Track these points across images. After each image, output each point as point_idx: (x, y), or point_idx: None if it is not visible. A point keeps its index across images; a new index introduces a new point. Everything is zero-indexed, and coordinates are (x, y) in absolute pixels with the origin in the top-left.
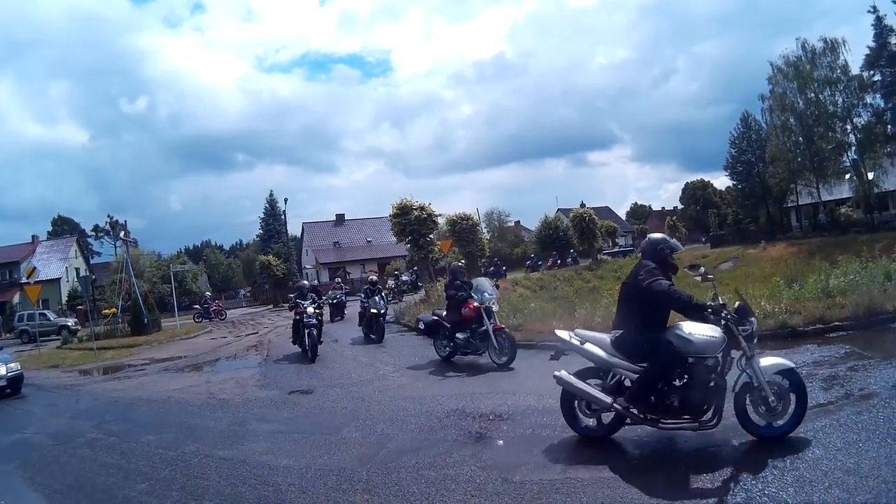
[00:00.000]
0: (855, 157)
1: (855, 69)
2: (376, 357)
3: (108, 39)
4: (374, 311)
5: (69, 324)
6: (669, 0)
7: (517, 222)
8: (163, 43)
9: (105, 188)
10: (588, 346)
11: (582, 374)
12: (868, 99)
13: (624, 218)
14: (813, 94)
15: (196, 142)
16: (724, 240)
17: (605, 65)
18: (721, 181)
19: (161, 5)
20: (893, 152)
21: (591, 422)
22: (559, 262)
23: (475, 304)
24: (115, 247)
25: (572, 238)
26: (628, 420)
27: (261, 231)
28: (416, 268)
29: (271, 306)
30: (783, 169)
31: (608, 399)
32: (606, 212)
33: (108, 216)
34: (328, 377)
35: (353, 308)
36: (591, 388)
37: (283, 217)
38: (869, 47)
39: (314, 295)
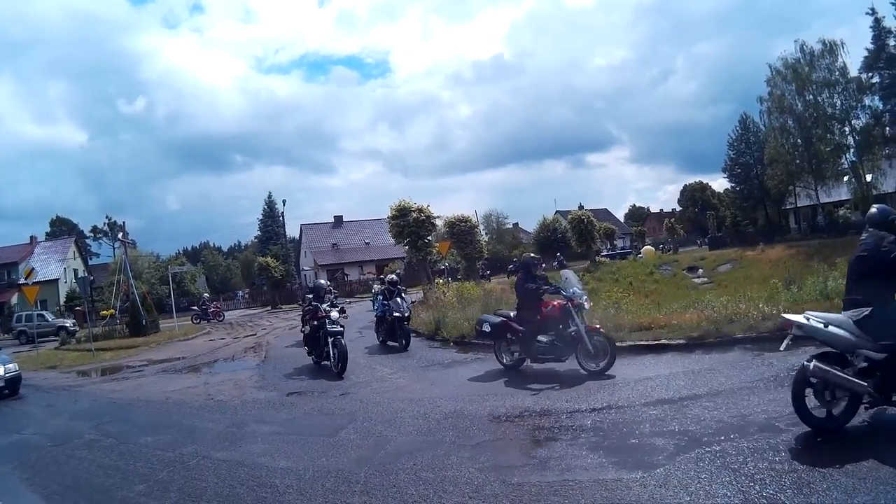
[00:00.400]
0: (853, 158)
1: (853, 71)
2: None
3: (107, 40)
4: (396, 314)
5: (67, 325)
6: (667, 0)
7: (515, 224)
8: (161, 43)
9: (103, 188)
10: (833, 329)
11: (823, 361)
12: (866, 101)
13: (622, 220)
14: (811, 96)
15: (195, 142)
16: (722, 242)
17: (604, 65)
18: (719, 183)
19: (160, 6)
20: (892, 154)
21: (834, 410)
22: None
23: (561, 300)
24: (114, 248)
25: (570, 240)
26: (865, 403)
27: (259, 232)
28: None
29: (270, 308)
30: (781, 171)
31: (864, 383)
32: (605, 213)
33: (107, 217)
34: (326, 378)
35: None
36: (845, 375)
37: (281, 219)
38: (867, 49)
39: (332, 297)
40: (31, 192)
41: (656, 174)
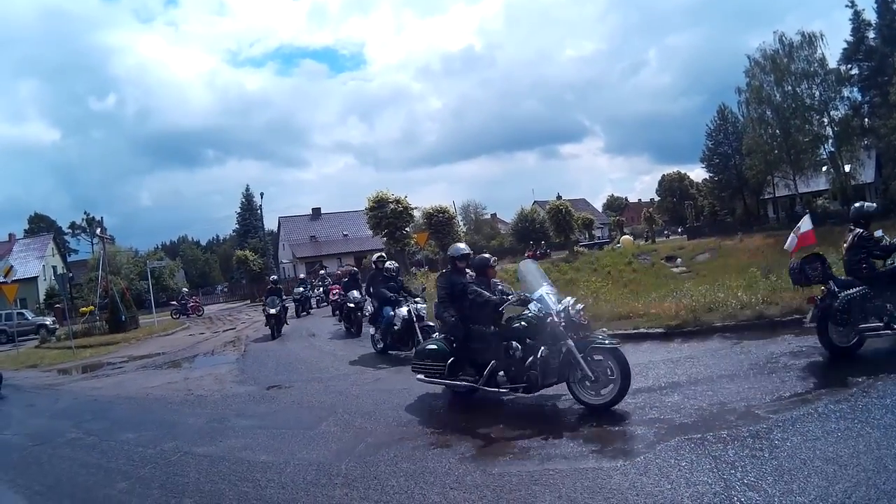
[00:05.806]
0: (832, 149)
1: (832, 63)
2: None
3: (79, 36)
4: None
5: (47, 323)
6: None
7: (493, 215)
8: (136, 38)
9: (77, 186)
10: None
11: None
12: (845, 92)
13: (600, 210)
14: (790, 87)
15: (168, 137)
16: (700, 231)
17: (575, 57)
18: (697, 173)
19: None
20: (870, 145)
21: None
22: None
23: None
24: (92, 244)
25: (549, 230)
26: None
27: (237, 226)
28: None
29: (248, 301)
30: (760, 161)
31: None
32: (583, 203)
33: (85, 213)
34: (306, 371)
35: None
36: None
37: (259, 212)
38: (847, 41)
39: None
40: (4, 191)
41: (630, 165)
